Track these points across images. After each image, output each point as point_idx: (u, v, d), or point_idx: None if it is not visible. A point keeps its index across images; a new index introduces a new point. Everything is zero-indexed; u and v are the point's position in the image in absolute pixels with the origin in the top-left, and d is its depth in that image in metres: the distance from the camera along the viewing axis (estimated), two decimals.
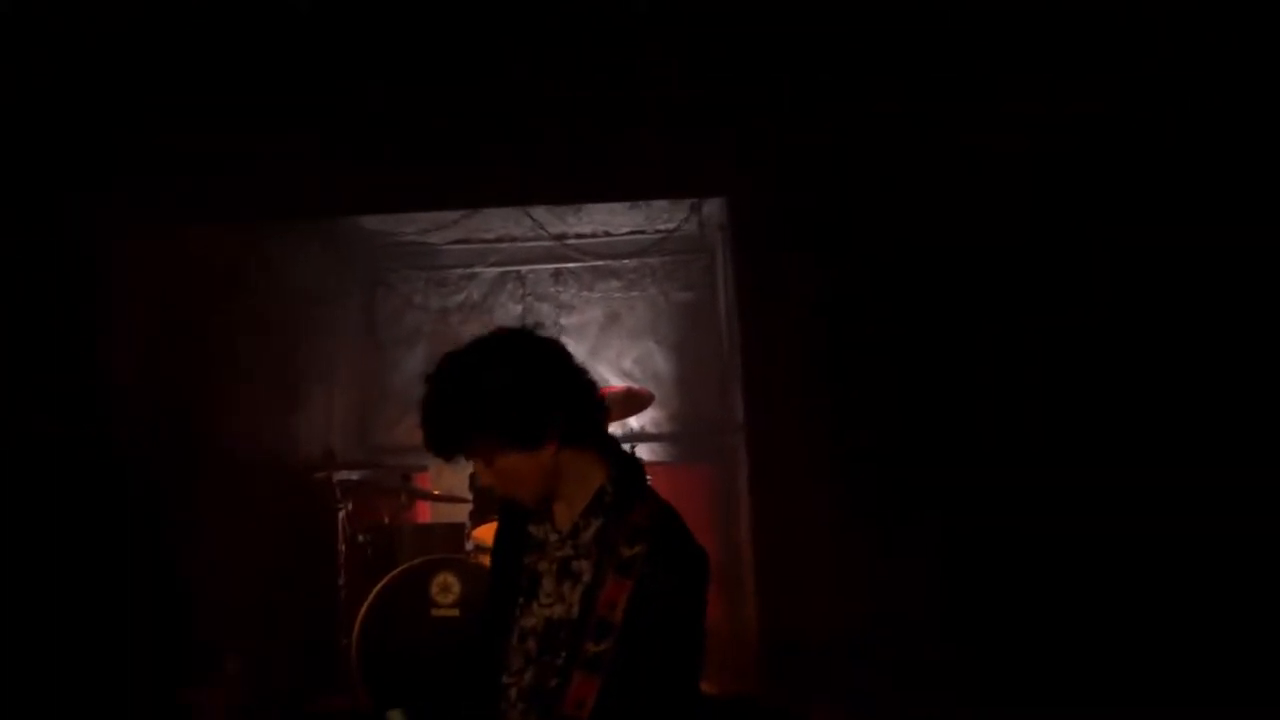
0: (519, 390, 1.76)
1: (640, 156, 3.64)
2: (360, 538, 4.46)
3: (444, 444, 1.78)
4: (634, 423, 5.80)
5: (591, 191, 4.21)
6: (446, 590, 3.93)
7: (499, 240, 6.44)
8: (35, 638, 3.28)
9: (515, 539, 2.00)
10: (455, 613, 3.89)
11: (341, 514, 4.55)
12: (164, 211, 3.72)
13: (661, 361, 6.28)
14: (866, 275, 3.54)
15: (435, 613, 3.92)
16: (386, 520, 4.51)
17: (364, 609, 3.92)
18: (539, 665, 1.85)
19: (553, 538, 1.93)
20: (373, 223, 5.90)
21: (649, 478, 4.22)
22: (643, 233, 6.22)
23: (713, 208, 5.48)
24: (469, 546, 4.21)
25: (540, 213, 5.78)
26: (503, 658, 1.92)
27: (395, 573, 3.98)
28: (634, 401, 4.65)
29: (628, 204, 5.75)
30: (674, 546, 1.80)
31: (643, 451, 5.63)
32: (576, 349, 1.90)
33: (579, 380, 1.86)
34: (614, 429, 5.75)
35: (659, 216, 5.97)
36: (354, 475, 4.68)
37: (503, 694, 1.88)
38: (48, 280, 3.43)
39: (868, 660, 3.23)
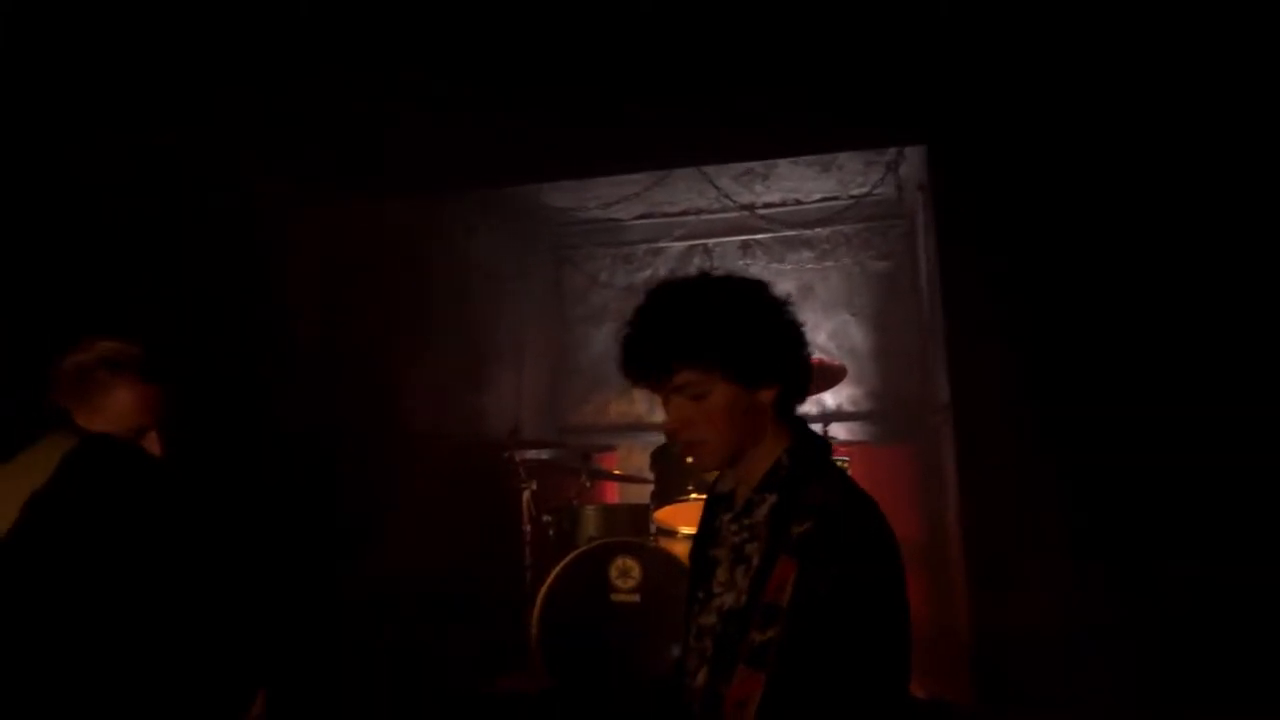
0: (760, 320, 1.63)
1: (835, 102, 3.30)
2: (544, 517, 4.36)
3: (666, 354, 1.61)
4: (829, 400, 5.46)
5: (786, 143, 3.88)
6: (626, 575, 3.75)
7: (684, 213, 6.24)
8: (225, 624, 3.33)
9: (705, 531, 1.82)
10: (635, 598, 3.71)
11: (526, 493, 4.48)
12: (342, 185, 3.70)
13: (858, 335, 5.90)
14: (1083, 236, 3.08)
15: (615, 598, 3.75)
16: (574, 501, 4.39)
17: (543, 591, 3.80)
18: (714, 664, 1.64)
19: (727, 519, 1.74)
20: (555, 198, 5.82)
21: (846, 461, 3.91)
22: (835, 199, 5.85)
23: (911, 167, 5.04)
24: (652, 529, 4.02)
25: (726, 182, 5.53)
26: (685, 661, 1.74)
27: (572, 556, 3.84)
28: (824, 375, 4.31)
29: (818, 168, 5.43)
30: (846, 524, 1.57)
31: (839, 431, 5.30)
32: None
33: (803, 337, 1.70)
34: (806, 406, 5.46)
35: (852, 180, 5.59)
36: (541, 454, 4.61)
37: (687, 700, 1.70)
38: (228, 257, 3.47)
39: (1100, 666, 2.79)
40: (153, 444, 1.82)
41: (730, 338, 1.60)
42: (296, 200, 3.66)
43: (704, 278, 1.69)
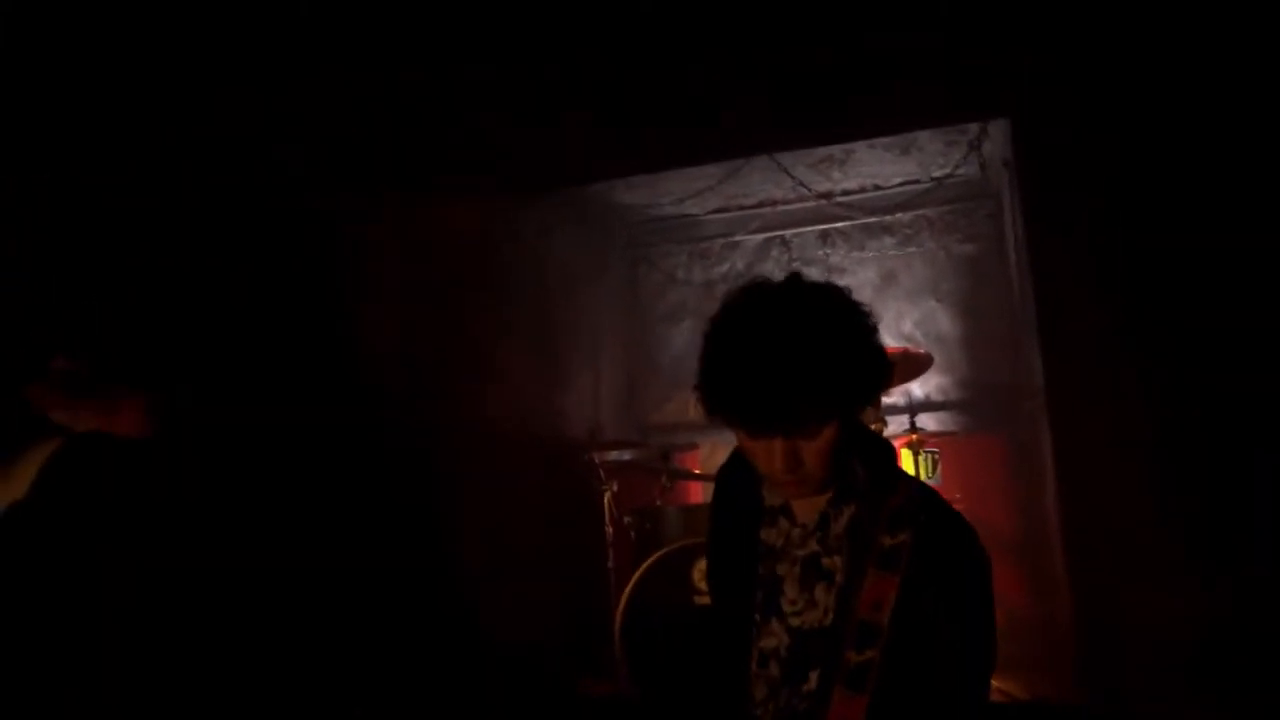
0: (876, 351, 1.49)
1: (915, 77, 3.15)
2: (625, 519, 4.30)
3: (819, 411, 1.43)
4: (916, 390, 5.28)
5: (863, 123, 3.73)
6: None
7: (760, 205, 6.12)
8: (299, 630, 3.35)
9: (743, 548, 1.67)
10: None
11: (607, 494, 4.42)
12: (414, 187, 3.70)
13: (945, 322, 5.70)
14: (1176, 209, 2.88)
15: (698, 600, 3.66)
16: (658, 502, 4.31)
17: (625, 595, 3.73)
18: (787, 691, 1.54)
19: (794, 533, 1.60)
20: (628, 196, 5.75)
21: (936, 452, 3.74)
22: (916, 182, 5.66)
23: (995, 144, 4.84)
24: None
25: (802, 171, 5.40)
26: (745, 689, 1.61)
27: (654, 558, 3.77)
28: (911, 365, 4.14)
29: (897, 151, 5.26)
30: (948, 532, 1.49)
31: (927, 421, 5.12)
32: None
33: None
34: (893, 397, 5.27)
35: (933, 161, 5.40)
36: (624, 455, 4.54)
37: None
38: (303, 260, 3.49)
39: (1214, 665, 2.60)
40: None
41: (861, 377, 1.47)
42: (372, 207, 3.66)
43: (810, 300, 1.48)
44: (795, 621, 1.56)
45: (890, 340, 5.40)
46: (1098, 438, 2.81)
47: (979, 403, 5.46)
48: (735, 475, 1.72)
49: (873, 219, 5.90)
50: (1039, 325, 3.08)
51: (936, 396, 5.56)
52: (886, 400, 4.10)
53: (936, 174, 5.50)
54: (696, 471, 4.57)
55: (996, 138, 4.75)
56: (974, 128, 4.73)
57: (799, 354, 1.40)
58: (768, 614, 1.60)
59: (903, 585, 1.44)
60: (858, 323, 1.47)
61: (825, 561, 1.55)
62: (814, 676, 1.50)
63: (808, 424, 1.43)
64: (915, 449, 4.18)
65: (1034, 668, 3.47)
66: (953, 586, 1.44)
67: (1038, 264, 3.12)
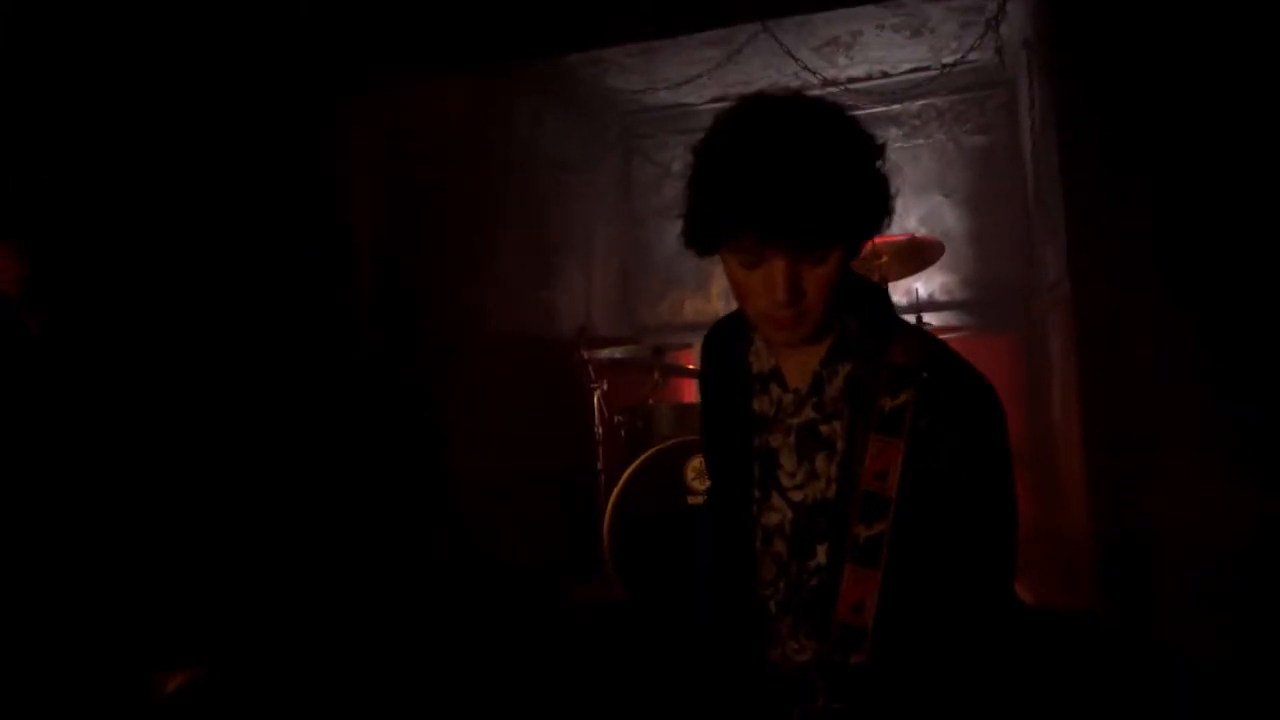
0: (877, 164, 1.34)
1: None
2: (616, 418, 4.13)
3: (832, 222, 1.27)
4: (919, 287, 5.06)
5: None
6: (702, 476, 3.50)
7: (761, 92, 5.78)
8: (275, 523, 3.20)
9: (736, 421, 1.51)
10: None
11: (597, 393, 4.25)
12: (390, 65, 3.41)
13: (952, 218, 5.46)
14: (1220, 94, 2.62)
15: (692, 500, 3.52)
16: (649, 400, 4.14)
17: (614, 494, 3.58)
18: (795, 567, 1.42)
19: (786, 399, 1.45)
20: (622, 80, 5.43)
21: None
22: (926, 68, 5.35)
23: (1014, 24, 4.52)
24: None
25: (806, 55, 5.07)
26: (752, 568, 1.48)
27: (645, 456, 3.61)
28: (920, 253, 3.90)
29: (907, 33, 4.94)
30: (955, 388, 1.34)
31: (932, 320, 4.92)
32: None
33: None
34: (898, 293, 5.06)
35: (945, 46, 5.08)
36: (615, 353, 4.36)
37: (763, 611, 1.47)
38: (278, 147, 3.23)
39: (1244, 586, 2.45)
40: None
41: (869, 194, 1.32)
42: (347, 85, 3.38)
43: (820, 113, 1.32)
44: (797, 496, 1.43)
45: (895, 232, 5.18)
46: (1125, 335, 2.60)
47: (986, 302, 5.27)
48: (721, 343, 1.59)
49: (880, 109, 5.60)
50: (1066, 213, 2.84)
51: (941, 296, 5.36)
52: (895, 299, 3.88)
53: (948, 60, 5.18)
54: (691, 367, 4.37)
55: (1016, 17, 4.44)
56: (992, 5, 4.41)
57: (806, 150, 1.25)
58: (766, 489, 1.46)
59: (908, 451, 1.32)
60: (865, 139, 1.33)
61: (823, 428, 1.41)
62: (821, 551, 1.39)
63: (814, 232, 1.26)
64: None
65: (1040, 576, 3.34)
66: (963, 447, 1.31)
67: (1067, 147, 2.86)
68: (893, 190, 1.36)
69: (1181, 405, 2.51)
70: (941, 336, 1.47)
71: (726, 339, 1.57)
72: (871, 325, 1.41)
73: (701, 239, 1.36)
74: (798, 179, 1.23)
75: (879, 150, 1.34)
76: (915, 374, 1.34)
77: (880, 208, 1.34)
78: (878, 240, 3.76)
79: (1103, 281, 2.66)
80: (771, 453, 1.46)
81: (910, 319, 4.16)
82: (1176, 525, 2.44)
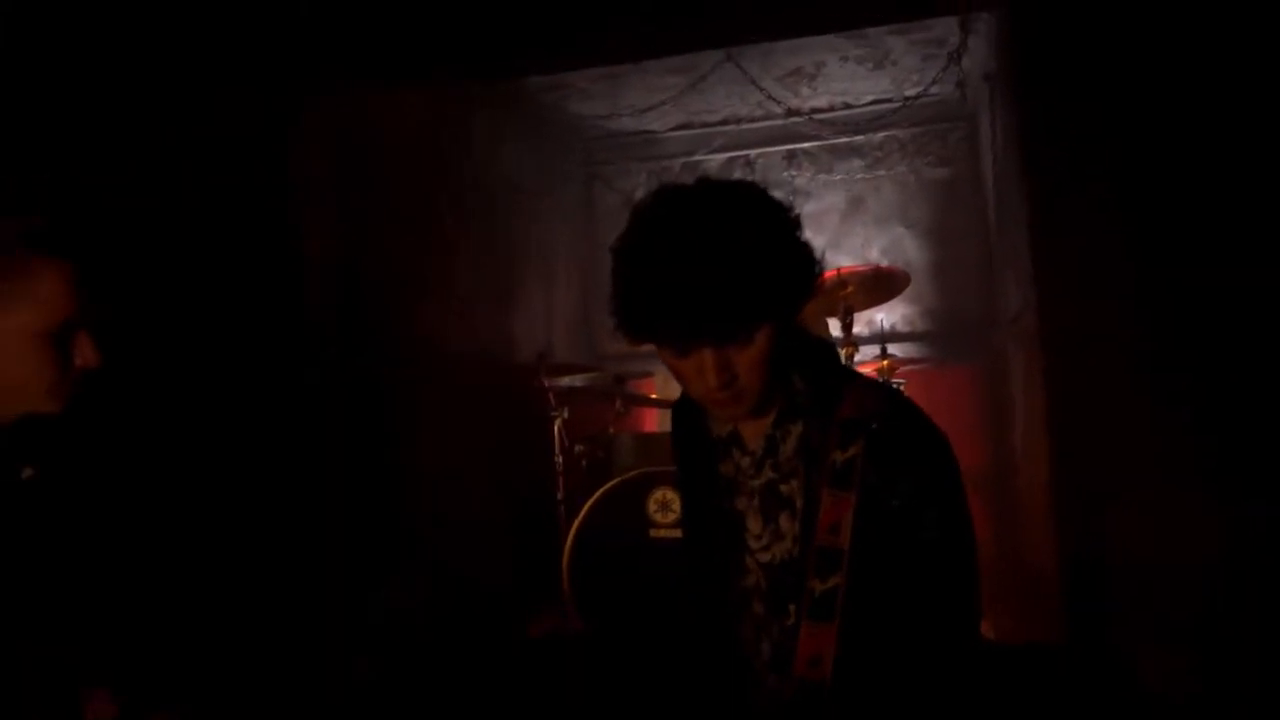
0: (793, 239, 1.34)
1: None
2: (577, 447, 4.05)
3: (750, 315, 1.29)
4: (881, 319, 5.05)
5: (838, 12, 3.39)
6: (665, 509, 3.44)
7: (724, 122, 5.82)
8: (230, 546, 3.07)
9: (706, 488, 1.54)
10: (675, 534, 3.39)
11: (557, 421, 4.16)
12: (345, 75, 3.33)
13: (914, 249, 5.48)
14: (1184, 113, 2.63)
15: (654, 533, 3.44)
16: (611, 430, 4.05)
17: (575, 526, 3.50)
18: (775, 627, 1.43)
19: (744, 462, 1.48)
20: (585, 106, 5.41)
21: (902, 383, 3.52)
22: (888, 100, 5.39)
23: (976, 58, 4.56)
24: None
25: (770, 84, 5.08)
26: (734, 631, 1.50)
27: (607, 487, 3.53)
28: (886, 283, 3.88)
29: (870, 65, 4.98)
30: (902, 437, 1.35)
31: (895, 351, 4.91)
32: (815, 241, 1.40)
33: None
34: (860, 325, 5.06)
35: (907, 78, 5.12)
36: (576, 381, 4.28)
37: (748, 668, 1.49)
38: (225, 159, 3.13)
39: (1220, 604, 2.42)
40: (85, 348, 1.44)
41: (788, 274, 1.33)
42: (302, 90, 3.28)
43: (724, 207, 1.32)
44: (765, 557, 1.45)
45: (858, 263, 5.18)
46: (1091, 359, 2.59)
47: (947, 334, 5.28)
48: (685, 411, 1.61)
49: (841, 139, 5.63)
50: (1031, 237, 2.83)
51: (903, 327, 5.36)
52: (854, 330, 3.84)
53: (910, 92, 5.22)
54: (653, 396, 4.31)
55: (978, 51, 4.48)
56: (954, 39, 4.44)
57: (714, 248, 1.26)
58: (739, 552, 1.48)
59: (859, 503, 1.32)
60: (776, 217, 1.34)
61: (783, 488, 1.43)
62: (793, 610, 1.38)
63: (734, 326, 1.28)
64: (883, 378, 3.98)
65: (1004, 608, 3.31)
66: (914, 495, 1.31)
67: (1031, 173, 2.86)
68: (817, 254, 1.37)
69: (1150, 429, 2.49)
70: (904, 367, 1.48)
71: (690, 406, 1.57)
72: (818, 383, 1.41)
73: (631, 335, 1.36)
74: (710, 285, 1.24)
75: (793, 222, 1.35)
76: (864, 426, 1.34)
77: (805, 278, 1.35)
78: (844, 270, 3.74)
79: (1068, 305, 2.65)
80: (739, 516, 1.47)
81: (875, 350, 4.19)
82: (1144, 552, 2.41)
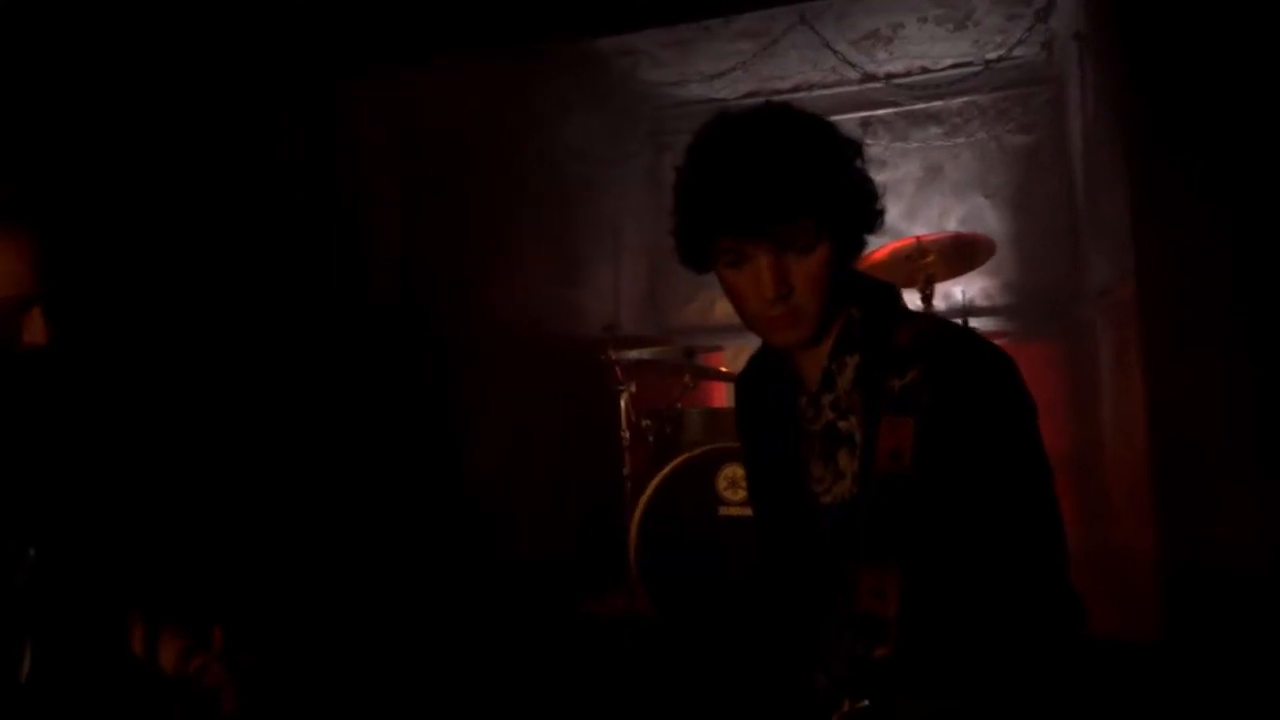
0: (858, 163, 1.36)
1: None
2: (644, 422, 3.97)
3: (795, 194, 1.27)
4: (958, 292, 4.87)
5: None
6: (735, 485, 3.34)
7: (796, 89, 5.63)
8: (303, 524, 3.07)
9: (776, 437, 1.48)
10: (746, 512, 3.29)
11: (624, 396, 4.08)
12: (412, 52, 3.26)
13: (994, 219, 5.26)
14: None
15: (723, 511, 3.35)
16: (679, 404, 3.95)
17: (642, 503, 3.42)
18: (843, 575, 1.33)
19: (803, 403, 1.43)
20: (654, 72, 5.29)
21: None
22: (969, 63, 5.16)
23: (1064, 17, 4.33)
24: None
25: (845, 48, 4.90)
26: (809, 588, 1.43)
27: (674, 463, 3.44)
28: (969, 251, 3.69)
29: (950, 26, 4.77)
30: (959, 355, 1.31)
31: (974, 326, 4.73)
32: (892, 210, 1.46)
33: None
34: (938, 299, 4.89)
35: (989, 40, 4.90)
36: (644, 354, 4.20)
37: (822, 632, 1.39)
38: (286, 139, 3.09)
39: None
40: (34, 325, 1.38)
41: (844, 182, 1.32)
42: (361, 61, 3.22)
43: (784, 111, 1.35)
44: (827, 499, 1.39)
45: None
46: (1198, 341, 2.42)
47: (1028, 307, 5.06)
48: (749, 380, 1.60)
49: (919, 105, 5.41)
50: (1132, 205, 2.65)
51: (982, 300, 5.17)
52: (935, 303, 3.68)
53: (992, 55, 5.00)
54: (722, 370, 4.20)
55: (1066, 9, 4.25)
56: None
57: (775, 137, 1.29)
58: (805, 504, 1.43)
59: (919, 425, 1.26)
60: (838, 134, 1.34)
61: (841, 425, 1.38)
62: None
63: (788, 214, 1.26)
64: None
65: (1090, 604, 3.15)
66: (977, 414, 1.26)
67: (1132, 140, 2.67)
68: (878, 190, 1.37)
69: (1263, 417, 2.32)
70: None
71: (752, 372, 1.59)
72: (876, 315, 1.39)
73: (690, 250, 1.39)
74: (763, 168, 1.26)
75: (854, 147, 1.35)
76: (922, 350, 1.30)
77: (861, 202, 1.34)
78: (923, 238, 3.58)
79: (1173, 283, 2.47)
80: (802, 465, 1.43)
81: (959, 321, 4.02)
82: (1257, 551, 2.25)
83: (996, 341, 1.37)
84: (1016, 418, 1.28)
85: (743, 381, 1.61)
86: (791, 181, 1.26)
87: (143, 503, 2.40)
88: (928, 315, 1.45)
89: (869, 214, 1.36)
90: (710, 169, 1.31)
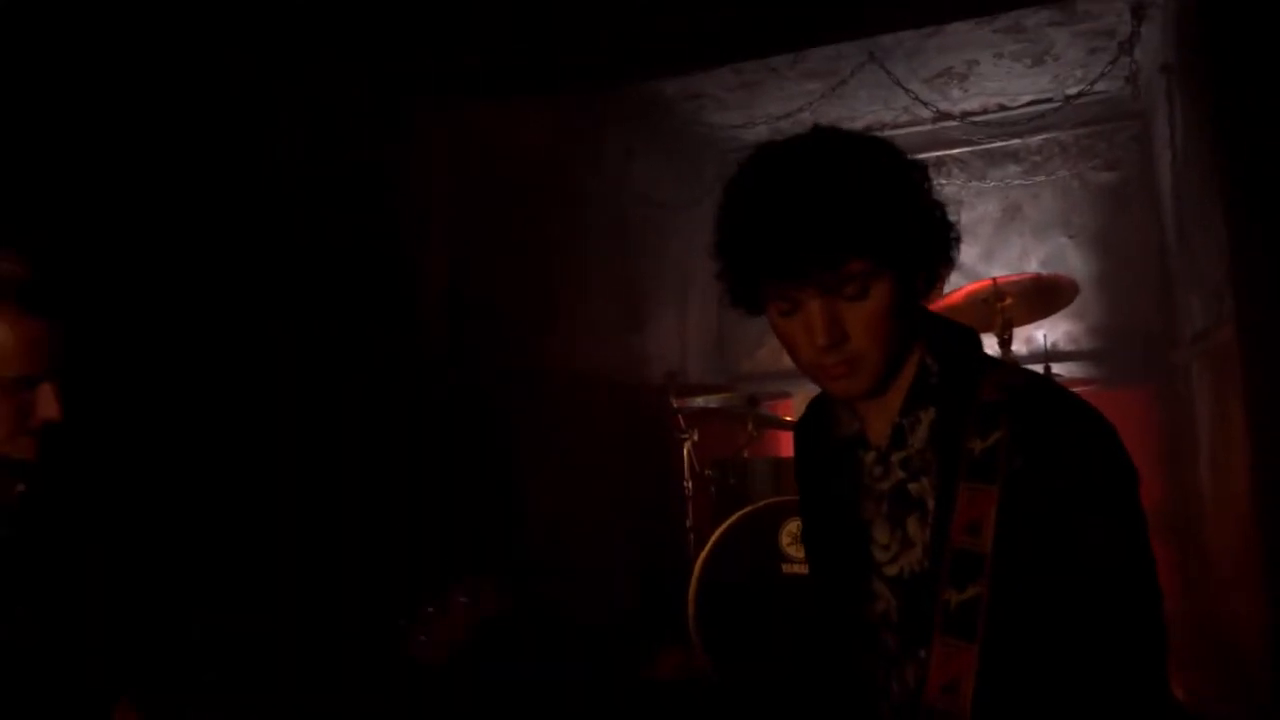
0: (922, 192, 1.19)
1: None
2: (706, 472, 3.83)
3: (841, 234, 1.11)
4: (1040, 336, 4.64)
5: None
6: (799, 542, 3.17)
7: (868, 128, 5.49)
8: (347, 567, 2.99)
9: (831, 505, 1.32)
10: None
11: (687, 444, 3.96)
12: (473, 89, 3.23)
13: (1077, 260, 5.04)
14: None
15: (786, 569, 3.18)
16: (744, 454, 3.81)
17: (701, 558, 3.28)
18: (906, 666, 1.20)
19: (870, 461, 1.27)
20: (719, 115, 5.22)
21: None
22: (1048, 100, 4.97)
23: (1150, 47, 4.13)
24: None
25: (917, 86, 4.76)
26: (865, 675, 1.28)
27: (735, 517, 3.29)
28: (1051, 293, 3.48)
29: (1028, 61, 4.60)
30: (1053, 416, 1.13)
31: (1059, 371, 4.50)
32: (968, 251, 1.13)
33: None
34: (1018, 343, 4.68)
35: (1070, 74, 4.72)
36: (709, 402, 4.07)
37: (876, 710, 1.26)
38: (349, 178, 3.06)
39: None
40: (47, 400, 1.36)
41: (904, 212, 1.15)
42: (424, 113, 3.20)
43: (829, 138, 1.19)
44: (892, 570, 1.23)
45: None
46: None
47: (1115, 352, 4.81)
48: (809, 426, 1.44)
49: (996, 143, 5.25)
50: (1231, 247, 2.45)
51: (1066, 345, 4.93)
52: (1015, 348, 3.49)
53: (1073, 90, 4.80)
54: (787, 419, 4.05)
55: (1151, 40, 4.06)
56: (1125, 28, 4.04)
57: (821, 170, 1.13)
58: (866, 573, 1.26)
59: (1003, 497, 1.11)
60: (895, 158, 1.18)
61: (912, 487, 1.22)
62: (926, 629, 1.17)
63: (834, 256, 1.11)
64: None
65: (1189, 669, 2.90)
66: (1072, 488, 1.09)
67: (1232, 168, 2.48)
68: (951, 217, 1.21)
69: None
70: (1070, 386, 1.21)
71: (812, 418, 1.43)
72: (954, 364, 1.22)
73: (739, 294, 1.26)
74: (802, 208, 1.11)
75: (915, 170, 1.19)
76: (1009, 408, 1.15)
77: (927, 233, 1.18)
78: (1000, 279, 3.40)
79: (1276, 327, 2.26)
80: (864, 528, 1.27)
81: (1040, 368, 3.82)
82: None
83: (1082, 389, 1.20)
84: (1120, 495, 1.10)
85: (801, 428, 1.46)
86: (834, 221, 1.11)
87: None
88: (1015, 367, 1.25)
89: (938, 246, 1.20)
90: (744, 210, 1.18)
